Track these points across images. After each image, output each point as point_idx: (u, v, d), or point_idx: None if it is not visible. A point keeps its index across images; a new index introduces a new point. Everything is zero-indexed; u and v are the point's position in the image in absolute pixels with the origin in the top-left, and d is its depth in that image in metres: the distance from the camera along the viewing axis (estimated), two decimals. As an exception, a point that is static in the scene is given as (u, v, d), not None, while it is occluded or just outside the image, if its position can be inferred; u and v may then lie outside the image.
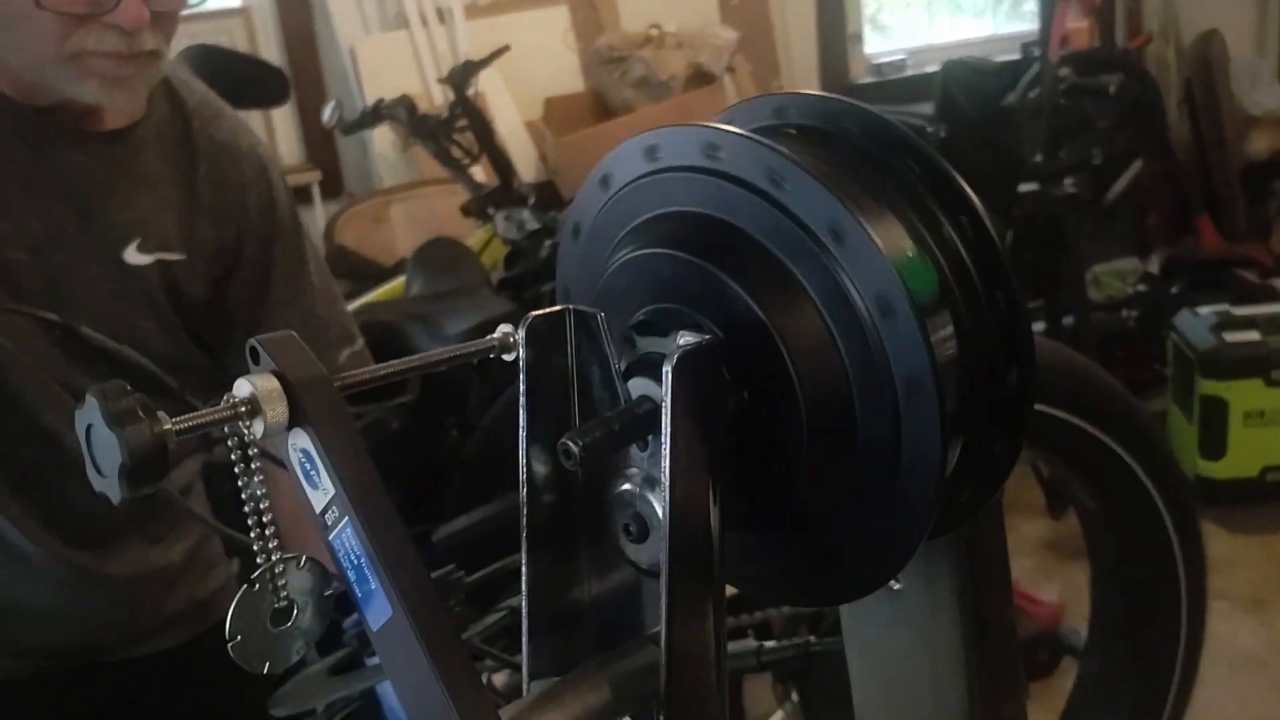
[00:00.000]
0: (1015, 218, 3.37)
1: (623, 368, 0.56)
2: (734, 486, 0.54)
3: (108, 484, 0.49)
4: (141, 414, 0.49)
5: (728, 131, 0.55)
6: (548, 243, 2.81)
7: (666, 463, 0.50)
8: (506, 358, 0.62)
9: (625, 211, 0.59)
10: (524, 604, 0.59)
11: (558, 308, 0.57)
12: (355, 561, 0.52)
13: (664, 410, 0.50)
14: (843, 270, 0.52)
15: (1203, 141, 4.48)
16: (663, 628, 0.52)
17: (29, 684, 1.38)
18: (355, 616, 0.82)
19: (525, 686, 0.57)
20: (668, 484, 0.50)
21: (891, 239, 0.55)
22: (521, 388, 0.57)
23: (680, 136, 0.56)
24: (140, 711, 1.43)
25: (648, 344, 0.56)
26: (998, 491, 0.60)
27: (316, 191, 4.30)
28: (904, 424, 0.51)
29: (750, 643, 1.43)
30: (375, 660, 1.02)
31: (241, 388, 0.52)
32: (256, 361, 0.54)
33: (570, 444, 0.51)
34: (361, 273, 3.58)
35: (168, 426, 0.50)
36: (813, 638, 1.43)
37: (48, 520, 1.28)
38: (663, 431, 0.50)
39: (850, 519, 0.55)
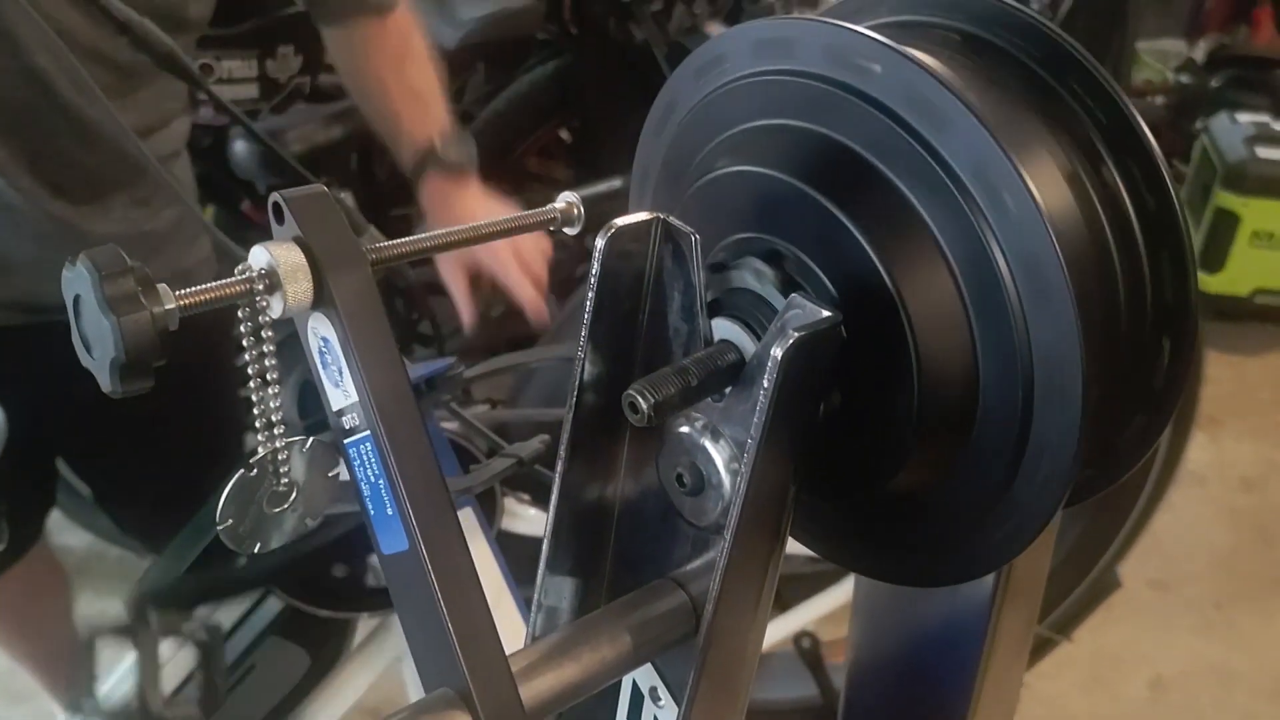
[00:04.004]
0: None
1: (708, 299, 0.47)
2: (815, 461, 0.47)
3: (96, 367, 0.41)
4: (143, 299, 0.40)
5: (875, 41, 0.44)
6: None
7: (747, 464, 0.43)
8: (569, 231, 0.53)
9: (733, 110, 0.48)
10: (551, 509, 0.53)
11: (646, 217, 0.47)
12: (373, 480, 0.45)
13: (760, 399, 0.41)
14: (991, 232, 0.43)
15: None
16: (702, 630, 0.46)
17: (6, 334, 1.41)
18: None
19: (532, 623, 0.52)
20: (744, 486, 0.43)
21: (1054, 195, 0.46)
22: (590, 294, 0.48)
23: (812, 33, 0.45)
24: None
25: (737, 278, 0.47)
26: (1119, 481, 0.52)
27: None
28: (1035, 427, 0.43)
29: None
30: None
31: (259, 257, 0.44)
32: (280, 221, 0.45)
33: (639, 399, 0.43)
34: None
35: (170, 307, 0.41)
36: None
37: (34, 166, 1.27)
38: (754, 426, 0.41)
39: (943, 512, 0.48)
